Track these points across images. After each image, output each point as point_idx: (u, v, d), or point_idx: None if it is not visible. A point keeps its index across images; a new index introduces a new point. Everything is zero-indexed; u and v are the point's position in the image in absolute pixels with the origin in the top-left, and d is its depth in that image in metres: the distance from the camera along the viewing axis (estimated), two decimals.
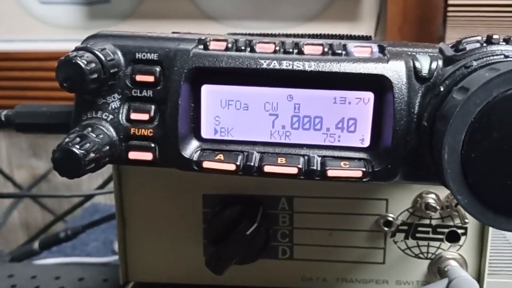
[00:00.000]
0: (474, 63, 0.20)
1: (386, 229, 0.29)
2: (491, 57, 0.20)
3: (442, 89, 0.21)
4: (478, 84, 0.18)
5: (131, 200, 0.29)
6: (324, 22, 0.76)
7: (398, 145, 0.21)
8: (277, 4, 0.76)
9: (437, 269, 0.29)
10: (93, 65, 0.21)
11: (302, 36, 0.28)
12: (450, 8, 0.67)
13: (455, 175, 0.19)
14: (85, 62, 0.20)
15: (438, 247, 0.29)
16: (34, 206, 0.89)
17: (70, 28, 0.83)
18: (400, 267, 0.30)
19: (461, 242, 0.29)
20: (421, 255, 0.29)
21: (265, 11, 0.77)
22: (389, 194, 0.28)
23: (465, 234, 0.29)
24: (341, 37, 0.28)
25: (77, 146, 0.20)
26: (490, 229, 0.28)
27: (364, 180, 0.22)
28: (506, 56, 0.20)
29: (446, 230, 0.29)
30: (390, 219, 0.28)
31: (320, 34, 0.28)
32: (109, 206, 0.70)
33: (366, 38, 0.27)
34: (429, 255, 0.29)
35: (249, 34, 0.26)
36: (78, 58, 0.21)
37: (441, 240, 0.29)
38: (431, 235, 0.29)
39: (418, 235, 0.29)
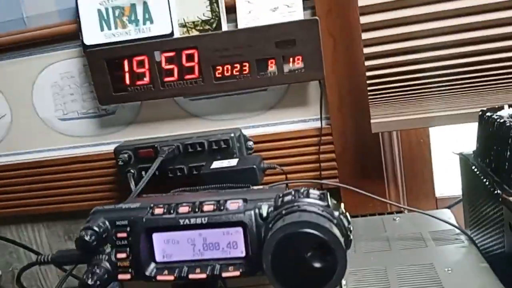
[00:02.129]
0: (283, 212, 0.39)
1: None
2: (290, 208, 0.39)
3: (270, 225, 0.40)
4: (275, 228, 0.37)
5: None
6: (281, 109, 0.96)
7: (256, 254, 0.40)
8: (244, 101, 0.97)
9: None
10: (93, 237, 0.41)
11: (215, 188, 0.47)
12: (370, 92, 0.86)
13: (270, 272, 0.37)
14: (89, 238, 0.40)
15: None
16: None
17: (85, 136, 1.05)
18: None
19: None
20: None
21: (235, 107, 0.98)
22: None
23: None
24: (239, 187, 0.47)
25: (90, 279, 0.40)
26: None
27: (242, 276, 0.41)
28: (299, 207, 0.39)
29: None
30: None
31: (227, 186, 0.47)
32: None
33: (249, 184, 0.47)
34: None
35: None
36: (85, 236, 0.41)
37: None
38: None
39: None
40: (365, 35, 0.83)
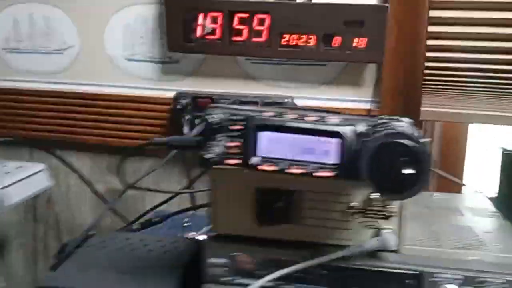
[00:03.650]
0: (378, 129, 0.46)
1: (350, 211, 0.54)
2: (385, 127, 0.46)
3: (365, 139, 0.46)
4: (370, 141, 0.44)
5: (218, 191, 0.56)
6: (335, 86, 1.03)
7: (349, 163, 0.47)
8: (301, 71, 1.04)
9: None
10: (215, 121, 0.48)
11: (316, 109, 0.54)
12: (425, 78, 0.93)
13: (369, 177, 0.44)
14: (213, 119, 0.47)
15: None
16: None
17: (145, 79, 1.12)
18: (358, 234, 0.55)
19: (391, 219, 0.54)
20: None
21: (292, 75, 1.05)
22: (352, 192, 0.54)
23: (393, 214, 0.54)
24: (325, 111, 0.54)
25: (208, 154, 0.47)
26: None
27: (334, 178, 0.48)
28: (392, 127, 0.46)
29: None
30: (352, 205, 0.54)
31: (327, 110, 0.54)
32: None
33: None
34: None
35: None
36: (209, 118, 0.48)
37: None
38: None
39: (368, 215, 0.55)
40: (431, 28, 0.90)
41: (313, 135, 0.48)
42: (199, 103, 1.05)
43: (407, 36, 0.96)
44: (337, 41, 0.98)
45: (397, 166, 0.44)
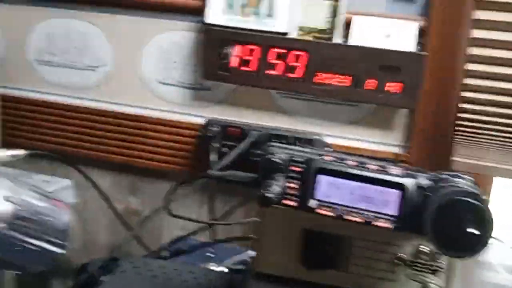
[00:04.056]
0: (442, 184, 0.47)
1: (398, 262, 0.54)
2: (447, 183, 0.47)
3: (427, 193, 0.47)
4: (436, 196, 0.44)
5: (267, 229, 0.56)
6: (364, 127, 1.04)
7: (409, 215, 0.48)
8: (332, 109, 1.05)
9: None
10: (277, 161, 0.48)
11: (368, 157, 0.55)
12: (457, 128, 0.94)
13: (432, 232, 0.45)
14: (276, 159, 0.48)
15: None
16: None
17: (177, 104, 1.13)
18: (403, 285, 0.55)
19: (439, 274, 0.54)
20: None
21: (321, 113, 1.06)
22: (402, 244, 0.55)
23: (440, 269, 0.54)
24: (383, 160, 0.55)
25: (268, 192, 0.47)
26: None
27: (392, 230, 0.48)
28: (456, 183, 0.47)
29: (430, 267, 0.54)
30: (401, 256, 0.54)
31: (373, 157, 0.55)
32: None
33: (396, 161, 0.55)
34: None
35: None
36: (272, 158, 0.48)
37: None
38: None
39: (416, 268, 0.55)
40: (466, 81, 0.92)
41: (374, 184, 0.49)
42: (229, 132, 1.06)
43: (442, 85, 0.97)
44: (370, 83, 0.99)
45: (462, 225, 0.44)
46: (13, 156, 0.93)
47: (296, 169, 0.49)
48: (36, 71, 1.20)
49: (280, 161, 0.48)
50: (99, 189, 1.08)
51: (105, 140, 1.17)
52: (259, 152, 1.03)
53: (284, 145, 0.51)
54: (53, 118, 1.19)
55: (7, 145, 0.96)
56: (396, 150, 1.02)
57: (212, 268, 0.83)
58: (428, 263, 0.54)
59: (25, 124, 1.20)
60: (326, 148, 1.02)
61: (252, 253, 0.58)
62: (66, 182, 1.03)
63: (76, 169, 1.12)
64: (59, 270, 0.49)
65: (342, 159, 0.50)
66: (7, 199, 0.38)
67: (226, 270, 0.80)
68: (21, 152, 0.94)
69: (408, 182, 0.48)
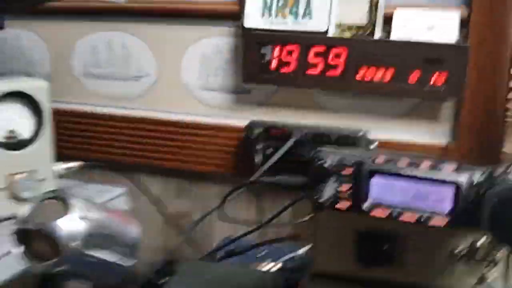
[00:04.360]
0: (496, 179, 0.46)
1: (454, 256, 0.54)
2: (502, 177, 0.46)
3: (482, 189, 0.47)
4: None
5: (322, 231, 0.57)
6: (410, 120, 1.03)
7: (464, 212, 0.47)
8: (376, 104, 1.04)
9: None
10: (327, 166, 0.49)
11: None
12: (507, 119, 0.92)
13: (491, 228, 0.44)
14: (327, 165, 0.49)
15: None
16: None
17: (220, 108, 1.15)
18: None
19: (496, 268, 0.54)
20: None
21: (365, 108, 1.05)
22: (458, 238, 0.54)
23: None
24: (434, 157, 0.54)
25: (321, 198, 0.48)
26: None
27: (447, 227, 0.48)
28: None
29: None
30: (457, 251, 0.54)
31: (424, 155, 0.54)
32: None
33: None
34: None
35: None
36: (324, 164, 0.49)
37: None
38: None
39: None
40: None
41: (427, 183, 0.49)
42: (272, 133, 1.07)
43: (489, 75, 0.95)
44: (414, 77, 0.98)
45: None
46: (67, 168, 0.97)
47: (348, 173, 0.50)
48: (83, 84, 1.24)
49: (330, 167, 0.48)
50: (149, 194, 1.10)
51: (152, 147, 1.20)
52: (303, 154, 1.03)
53: (333, 149, 0.52)
54: (102, 129, 1.23)
55: (59, 158, 1.00)
56: (444, 143, 1.01)
57: (266, 268, 0.84)
58: (485, 256, 0.53)
59: (75, 136, 1.25)
60: (373, 147, 1.02)
61: (304, 251, 0.59)
62: (120, 190, 1.06)
63: (127, 177, 1.16)
64: (129, 282, 0.51)
65: (394, 160, 0.50)
66: (82, 218, 0.40)
67: (279, 270, 0.82)
68: (75, 164, 0.98)
69: (462, 178, 0.47)
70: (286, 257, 0.89)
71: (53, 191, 0.42)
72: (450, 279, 0.55)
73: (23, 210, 0.40)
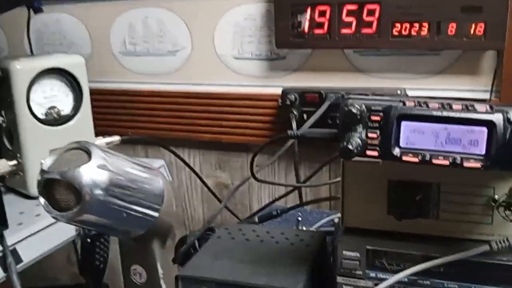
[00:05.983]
0: None
1: (493, 204, 0.52)
2: None
3: None
4: None
5: (350, 181, 0.56)
6: (450, 75, 0.99)
7: (500, 153, 0.45)
8: (414, 62, 1.01)
9: None
10: (356, 112, 0.47)
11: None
12: None
13: None
14: (355, 110, 0.47)
15: None
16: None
17: (255, 77, 1.14)
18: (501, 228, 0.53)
19: None
20: None
21: (403, 66, 1.02)
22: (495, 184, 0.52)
23: None
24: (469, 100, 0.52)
25: (350, 145, 0.47)
26: None
27: (482, 169, 0.46)
28: None
29: None
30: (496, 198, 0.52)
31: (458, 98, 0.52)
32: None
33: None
34: None
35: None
36: (352, 109, 0.48)
37: None
38: None
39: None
40: None
41: (460, 124, 0.47)
42: (307, 98, 1.06)
43: None
44: (452, 28, 0.94)
45: None
46: (108, 143, 1.00)
47: (377, 118, 0.48)
48: (121, 62, 1.27)
49: (359, 112, 0.47)
50: (190, 167, 1.12)
51: (191, 120, 1.21)
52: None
53: (363, 96, 0.50)
54: (141, 105, 1.25)
55: (100, 135, 1.03)
56: (486, 96, 0.96)
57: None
58: None
59: (115, 114, 1.28)
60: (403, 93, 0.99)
61: (339, 214, 0.58)
62: (160, 162, 1.09)
63: (168, 150, 1.18)
64: (158, 234, 0.52)
65: (424, 102, 0.48)
66: (104, 166, 0.41)
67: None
68: (116, 138, 1.00)
69: (497, 117, 0.45)
70: (324, 220, 0.88)
71: (76, 142, 0.43)
72: (488, 228, 0.53)
73: (46, 160, 0.41)
